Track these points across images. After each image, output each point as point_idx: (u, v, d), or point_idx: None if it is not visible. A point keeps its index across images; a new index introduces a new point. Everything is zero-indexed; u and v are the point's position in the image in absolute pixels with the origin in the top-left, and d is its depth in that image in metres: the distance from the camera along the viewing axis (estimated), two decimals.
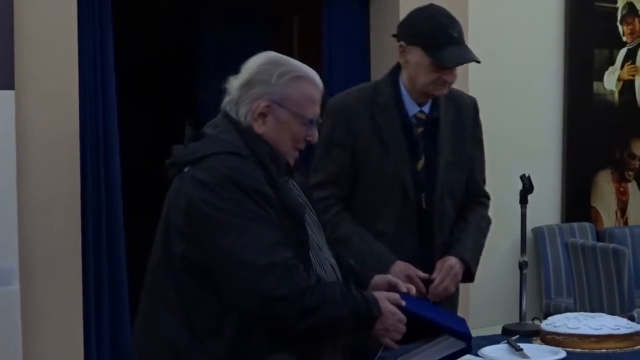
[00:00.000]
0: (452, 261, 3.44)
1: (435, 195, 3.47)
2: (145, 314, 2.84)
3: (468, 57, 3.42)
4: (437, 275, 3.40)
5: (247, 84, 2.79)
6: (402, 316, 2.78)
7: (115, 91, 5.05)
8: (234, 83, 2.82)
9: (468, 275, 3.55)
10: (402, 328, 2.78)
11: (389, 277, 3.02)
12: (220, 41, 6.71)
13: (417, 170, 3.46)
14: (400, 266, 3.37)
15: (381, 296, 2.78)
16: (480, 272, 5.99)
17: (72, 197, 4.77)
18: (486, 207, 3.72)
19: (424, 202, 3.46)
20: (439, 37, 3.36)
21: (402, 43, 3.43)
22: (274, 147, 2.78)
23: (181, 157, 2.78)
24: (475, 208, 3.64)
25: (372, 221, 3.44)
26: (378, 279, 3.00)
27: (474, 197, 3.66)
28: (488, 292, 6.11)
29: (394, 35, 3.50)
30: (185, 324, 2.70)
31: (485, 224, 3.67)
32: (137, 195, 6.17)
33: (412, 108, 3.46)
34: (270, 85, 2.77)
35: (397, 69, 3.50)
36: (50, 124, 4.71)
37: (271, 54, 2.86)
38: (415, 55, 3.39)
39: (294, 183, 2.89)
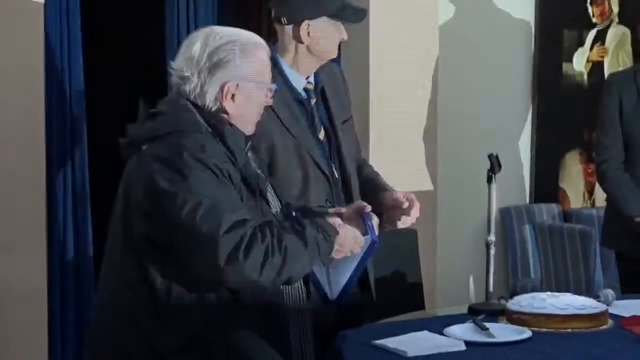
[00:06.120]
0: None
1: (343, 162, 3.55)
2: (107, 296, 2.81)
3: (362, 8, 3.60)
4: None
5: (210, 70, 2.78)
6: (360, 236, 2.95)
7: (82, 62, 4.99)
8: (190, 69, 2.78)
9: None
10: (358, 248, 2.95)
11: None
12: (190, 23, 6.64)
13: (320, 141, 3.52)
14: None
15: (335, 220, 2.90)
16: (447, 251, 6.05)
17: (37, 174, 4.70)
18: (369, 164, 3.82)
19: (336, 172, 3.52)
20: (336, 2, 3.47)
21: (308, 22, 3.45)
22: (233, 122, 2.77)
23: (138, 135, 2.75)
24: (365, 166, 3.74)
25: (296, 202, 3.43)
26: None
27: (360, 161, 3.74)
28: (455, 272, 6.12)
29: (278, 20, 3.53)
30: (148, 304, 2.69)
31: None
32: (104, 174, 6.12)
33: (299, 83, 3.50)
34: (235, 64, 2.78)
35: (273, 47, 3.49)
36: (14, 101, 4.61)
37: (215, 31, 2.84)
38: (321, 26, 3.45)
39: (251, 159, 2.89)
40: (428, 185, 5.88)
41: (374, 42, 5.66)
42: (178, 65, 2.81)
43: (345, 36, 3.51)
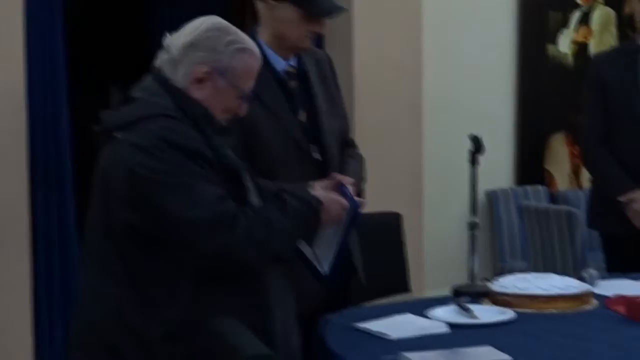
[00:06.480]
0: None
1: (325, 145, 3.50)
2: (90, 287, 2.78)
3: (338, 6, 3.48)
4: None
5: (192, 46, 2.75)
6: (345, 203, 2.96)
7: (63, 45, 4.93)
8: (176, 41, 2.77)
9: None
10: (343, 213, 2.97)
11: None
12: (174, 7, 6.62)
13: (302, 124, 3.48)
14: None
15: (316, 189, 2.91)
16: (434, 234, 6.04)
17: (18, 157, 4.65)
18: (356, 148, 3.74)
19: (317, 154, 3.49)
20: None
21: (275, 4, 3.41)
22: (207, 108, 2.75)
23: (113, 122, 2.73)
24: (347, 150, 3.66)
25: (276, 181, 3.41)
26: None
27: (344, 143, 3.67)
28: (441, 254, 6.11)
29: None
30: (134, 294, 2.67)
31: (360, 158, 3.69)
32: (87, 164, 6.11)
33: (280, 64, 3.47)
34: (216, 52, 2.75)
35: (253, 30, 3.47)
36: None
37: (219, 20, 2.83)
38: (285, 11, 3.39)
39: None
40: (413, 168, 5.87)
41: (357, 25, 5.64)
42: (169, 37, 2.79)
43: (318, 30, 3.44)
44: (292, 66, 3.51)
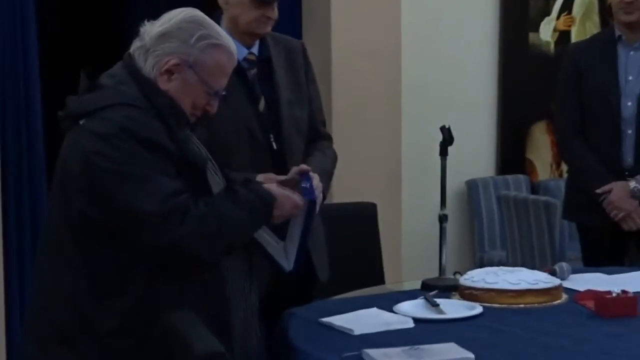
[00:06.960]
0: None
1: (284, 135, 3.44)
2: (45, 274, 2.75)
3: None
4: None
5: (164, 36, 2.72)
6: (299, 201, 2.89)
7: (36, 35, 4.86)
8: (150, 30, 2.74)
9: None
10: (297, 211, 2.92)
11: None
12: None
13: (259, 112, 3.42)
14: (261, 178, 3.21)
15: (271, 186, 2.85)
16: (410, 225, 6.00)
17: None
18: (328, 142, 3.66)
19: (274, 143, 3.42)
20: None
21: None
22: (174, 100, 2.70)
23: (76, 108, 2.70)
24: (318, 143, 3.59)
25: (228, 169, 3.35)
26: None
27: (315, 136, 3.60)
28: (418, 245, 6.06)
29: None
30: (88, 283, 2.64)
31: (330, 153, 3.61)
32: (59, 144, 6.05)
33: (240, 51, 3.37)
34: (187, 44, 2.71)
35: (217, 16, 3.43)
36: None
37: (196, 13, 2.79)
38: None
39: (194, 137, 2.82)
40: (391, 158, 5.83)
41: (335, 12, 5.60)
42: (146, 25, 2.76)
43: (270, 14, 3.39)
44: (252, 53, 3.46)
